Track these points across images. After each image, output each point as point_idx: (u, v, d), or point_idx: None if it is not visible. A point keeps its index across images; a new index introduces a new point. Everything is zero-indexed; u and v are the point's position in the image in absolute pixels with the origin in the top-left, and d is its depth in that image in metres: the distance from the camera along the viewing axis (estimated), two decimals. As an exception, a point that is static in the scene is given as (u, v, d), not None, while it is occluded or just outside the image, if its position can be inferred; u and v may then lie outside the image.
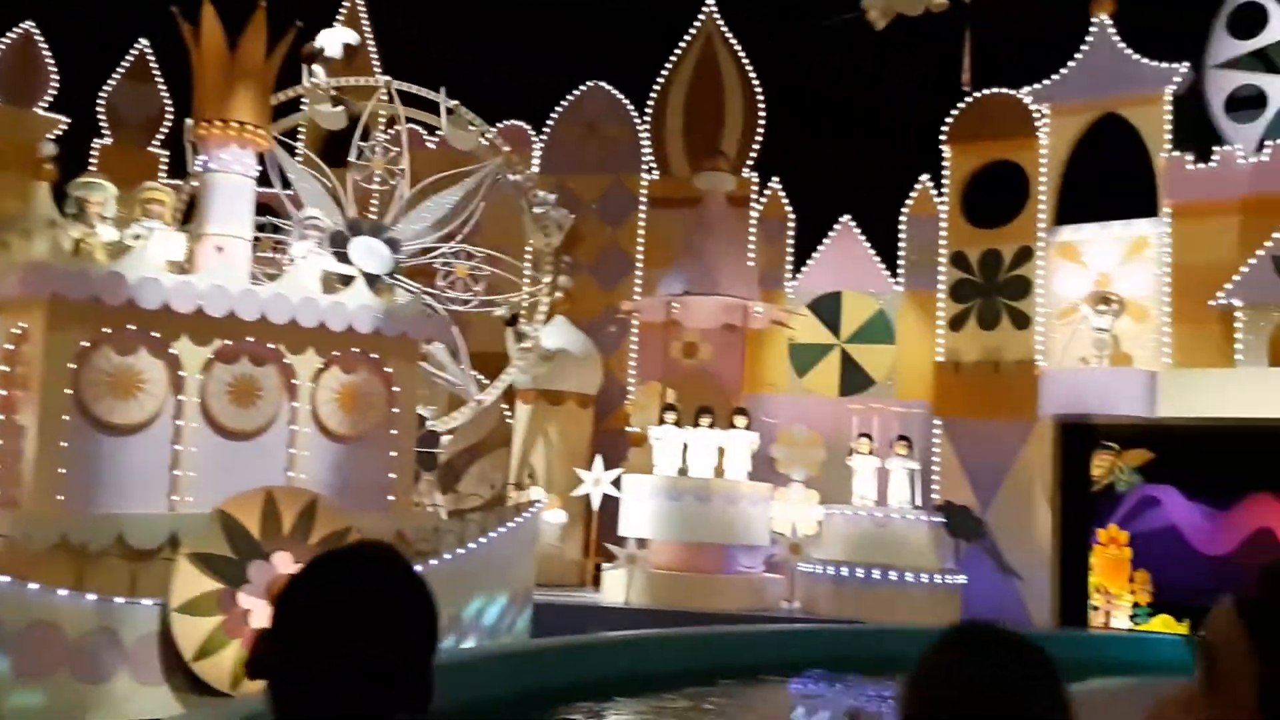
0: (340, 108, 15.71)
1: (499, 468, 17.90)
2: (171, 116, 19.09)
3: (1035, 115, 16.49)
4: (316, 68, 15.49)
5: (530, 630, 10.98)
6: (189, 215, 11.92)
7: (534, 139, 19.20)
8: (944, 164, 17.24)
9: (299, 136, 16.08)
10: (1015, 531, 15.82)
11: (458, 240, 15.73)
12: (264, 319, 9.66)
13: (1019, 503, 15.87)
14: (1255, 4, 15.86)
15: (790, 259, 18.26)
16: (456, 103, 16.07)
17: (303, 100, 16.25)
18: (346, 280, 10.91)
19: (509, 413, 17.86)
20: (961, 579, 15.04)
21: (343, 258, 13.99)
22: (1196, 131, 15.76)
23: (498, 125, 17.41)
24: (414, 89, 16.03)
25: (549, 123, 19.37)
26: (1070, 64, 16.35)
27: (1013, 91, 16.68)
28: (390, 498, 10.53)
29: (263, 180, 11.34)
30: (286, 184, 15.22)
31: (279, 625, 1.44)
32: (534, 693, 9.26)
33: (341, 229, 14.82)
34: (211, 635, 8.45)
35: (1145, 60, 15.87)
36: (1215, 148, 15.36)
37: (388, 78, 15.96)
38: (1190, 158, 15.33)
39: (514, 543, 10.77)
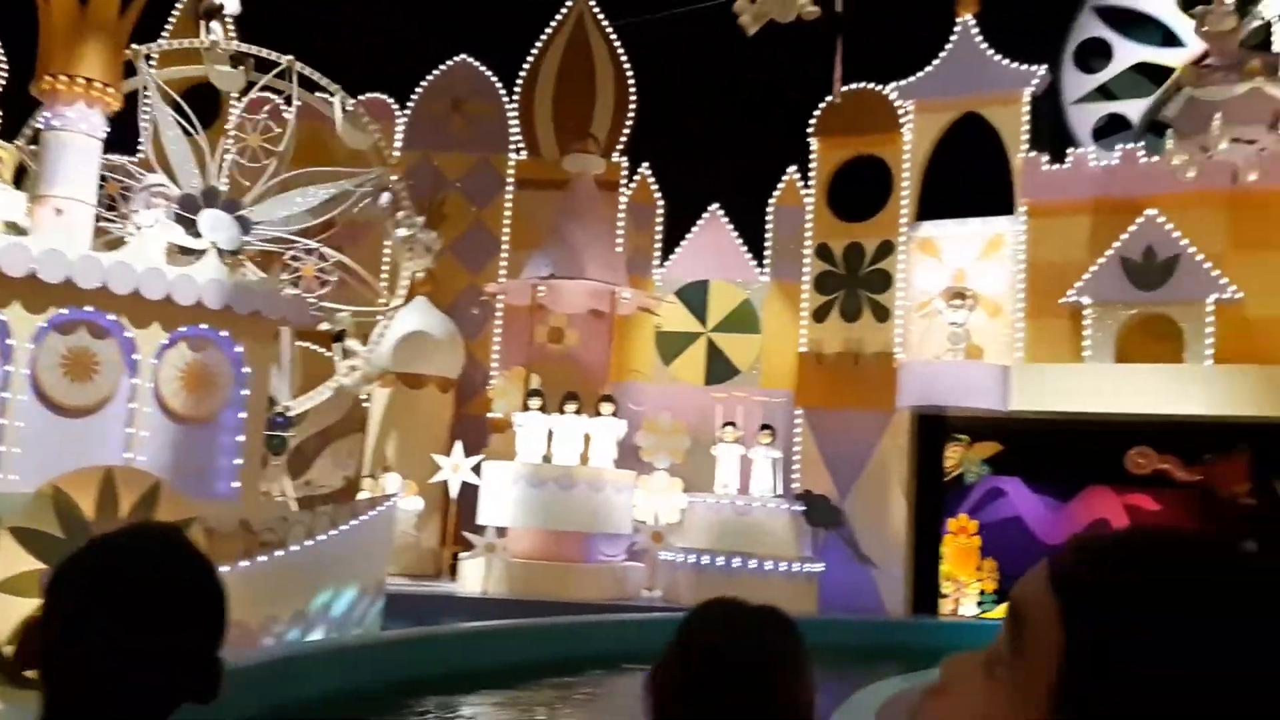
0: (240, 69, 14.94)
1: (353, 453, 17.33)
2: (6, 73, 17.82)
3: (900, 111, 16.79)
4: (215, 25, 14.69)
5: (382, 622, 10.59)
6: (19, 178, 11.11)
7: (397, 113, 18.64)
8: (811, 156, 17.41)
9: (145, 96, 15.15)
10: (871, 520, 16.11)
11: (316, 239, 15.12)
12: (105, 288, 8.99)
13: (876, 492, 16.16)
14: (1098, 39, 16.53)
15: (659, 246, 18.20)
16: (355, 102, 15.53)
17: (150, 58, 15.34)
18: (190, 251, 10.31)
19: (365, 396, 17.29)
20: (819, 567, 15.22)
21: (189, 224, 13.26)
22: (1052, 132, 16.31)
23: (359, 97, 16.81)
24: (314, 75, 15.36)
25: (413, 97, 18.82)
26: (935, 62, 16.70)
27: (879, 87, 16.94)
28: (236, 485, 9.98)
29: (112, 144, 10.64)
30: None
31: (75, 609, 1.32)
32: (385, 686, 8.90)
33: (194, 194, 14.06)
34: (30, 618, 7.80)
35: (1005, 61, 16.33)
36: (1069, 149, 15.91)
37: (290, 57, 15.24)
38: (1046, 158, 15.84)
39: (366, 535, 10.35)
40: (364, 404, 17.32)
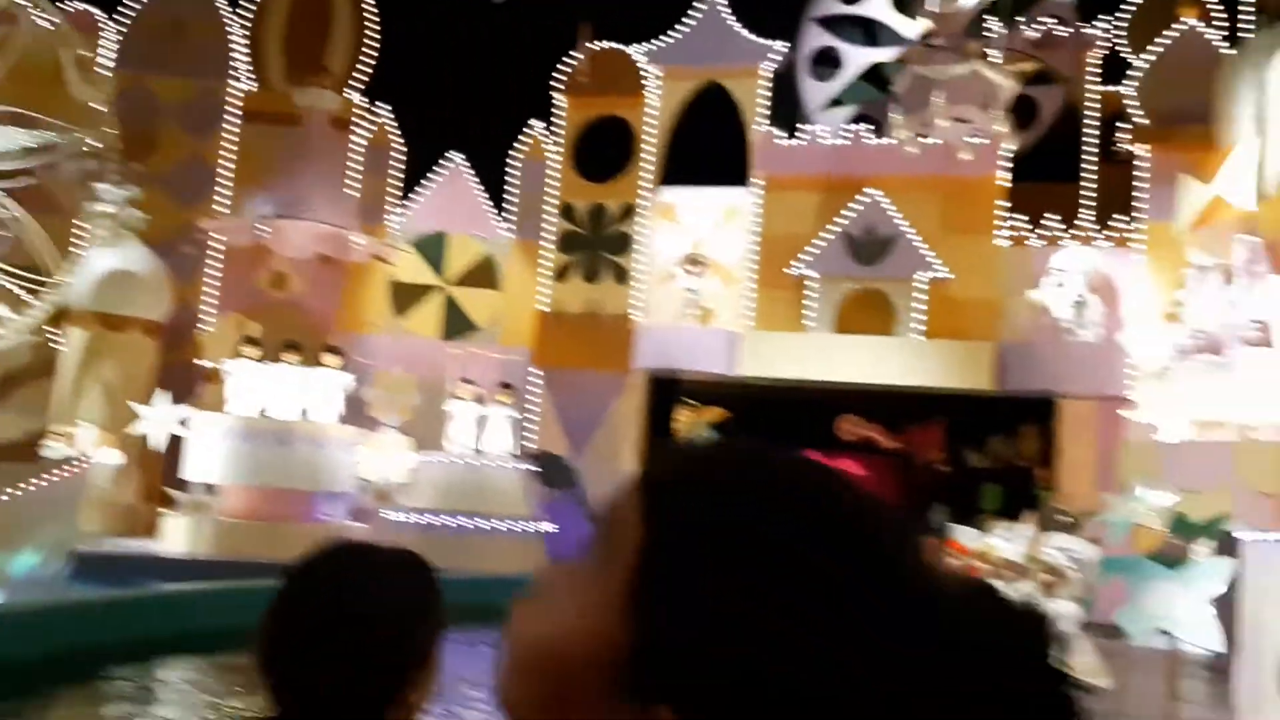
0: None
1: (40, 401, 15.65)
2: None
3: (647, 76, 16.81)
4: None
5: (72, 584, 9.60)
6: None
7: (105, 27, 16.85)
8: (557, 113, 17.16)
9: None
10: (604, 480, 16.18)
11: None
12: None
13: (609, 453, 16.25)
14: (828, 48, 17.24)
15: (396, 193, 17.44)
16: (93, 56, 13.82)
17: None
18: None
19: (57, 336, 15.63)
20: (550, 527, 15.13)
21: None
22: (789, 108, 16.84)
23: (64, 6, 15.08)
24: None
25: (127, 11, 17.08)
26: (682, 29, 16.81)
27: (627, 49, 16.89)
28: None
29: None
30: None
31: None
32: (74, 653, 8.04)
33: None
34: None
35: (747, 34, 16.66)
36: (802, 125, 16.47)
37: None
38: (781, 133, 16.32)
39: (52, 493, 9.32)
40: (55, 344, 15.66)
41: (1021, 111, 15.76)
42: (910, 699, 0.60)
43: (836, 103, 17.22)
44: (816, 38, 17.28)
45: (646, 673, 0.62)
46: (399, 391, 16.06)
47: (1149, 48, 15.42)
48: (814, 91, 17.19)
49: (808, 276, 15.73)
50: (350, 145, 17.09)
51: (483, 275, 17.31)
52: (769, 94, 16.58)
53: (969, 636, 0.62)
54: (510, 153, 17.41)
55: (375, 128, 17.42)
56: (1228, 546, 7.85)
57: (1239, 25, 15.39)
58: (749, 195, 16.45)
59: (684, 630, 0.61)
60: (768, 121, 16.46)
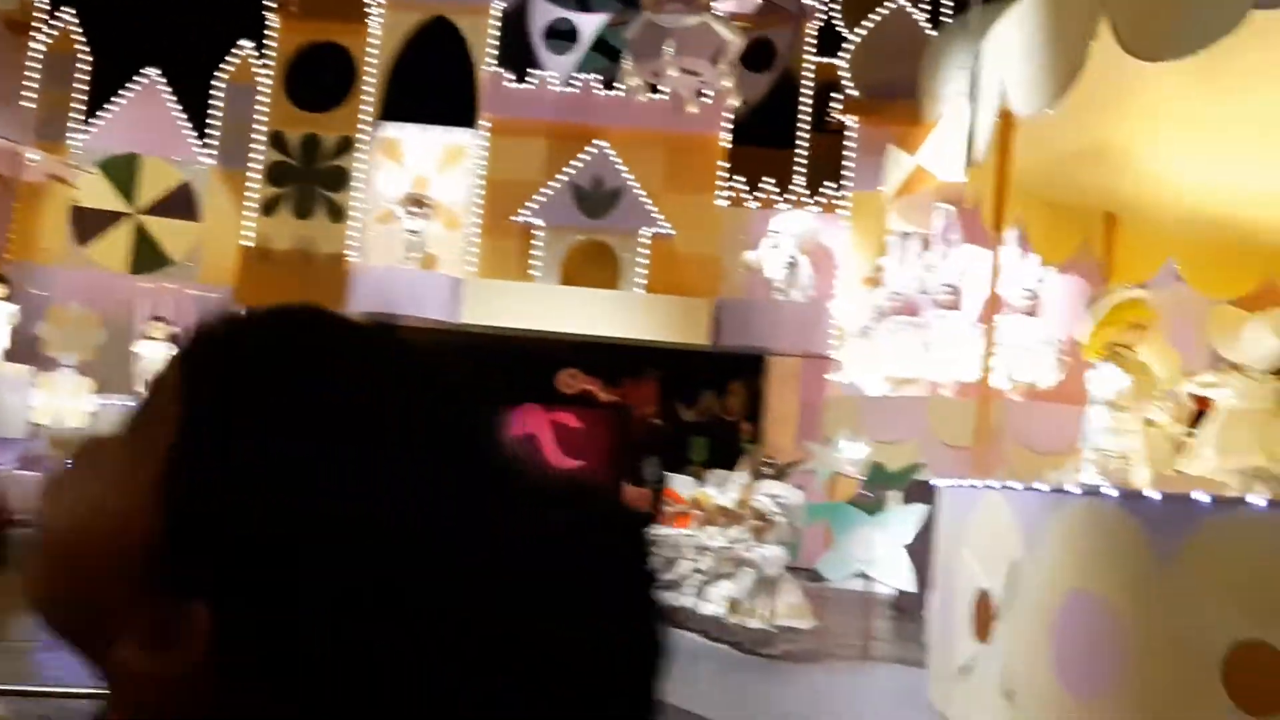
0: None
1: None
2: None
3: (369, 3, 16.02)
4: None
5: None
6: None
7: None
8: (268, 33, 16.04)
9: None
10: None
11: None
12: None
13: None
14: (560, 19, 17.05)
15: (80, 108, 15.83)
16: None
17: None
18: None
19: None
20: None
21: None
22: (518, 50, 16.49)
23: None
24: None
25: None
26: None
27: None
28: None
29: None
30: None
31: None
32: None
33: None
34: None
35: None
36: (533, 70, 16.19)
37: None
38: (511, 75, 15.99)
39: None
40: None
41: (758, 56, 16.12)
42: (489, 587, 0.54)
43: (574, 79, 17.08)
44: (545, 13, 17.02)
45: (178, 562, 0.55)
46: (78, 328, 14.69)
47: (862, 22, 16.15)
48: (554, 66, 16.95)
49: (534, 225, 15.55)
50: (28, 51, 15.37)
51: (179, 204, 16.03)
52: (499, 33, 16.17)
53: (560, 521, 0.57)
54: (215, 73, 16.12)
55: (58, 33, 15.73)
56: (919, 494, 8.32)
57: (942, 7, 16.37)
58: (475, 137, 16.03)
59: (213, 511, 0.54)
60: (497, 62, 16.06)
